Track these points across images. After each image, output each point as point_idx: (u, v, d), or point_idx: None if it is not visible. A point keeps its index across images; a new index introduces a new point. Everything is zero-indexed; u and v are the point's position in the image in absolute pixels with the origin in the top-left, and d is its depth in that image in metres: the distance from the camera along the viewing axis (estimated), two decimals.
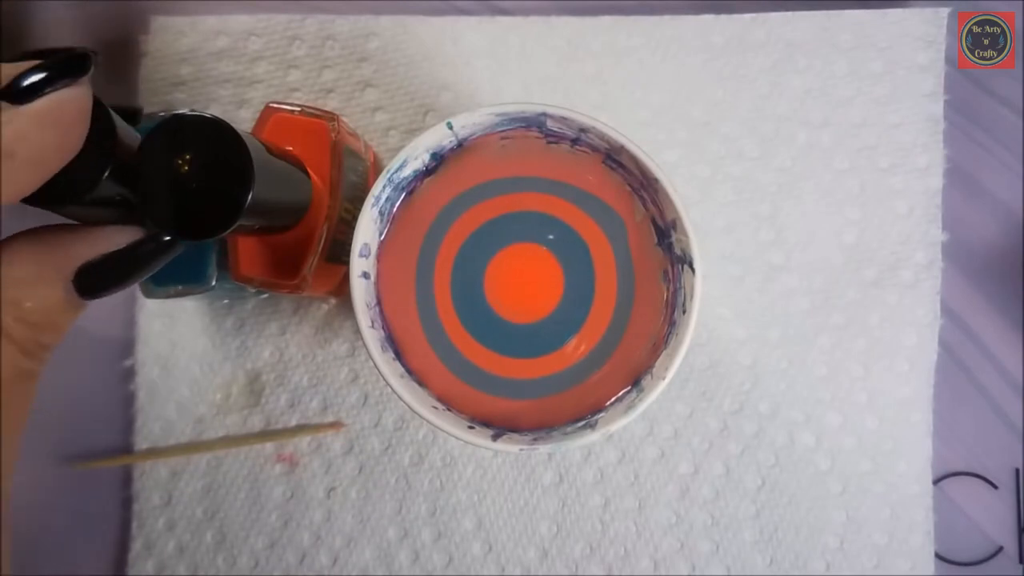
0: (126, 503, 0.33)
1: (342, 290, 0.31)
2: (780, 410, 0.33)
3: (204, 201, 0.20)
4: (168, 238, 0.20)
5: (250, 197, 0.20)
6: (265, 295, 0.33)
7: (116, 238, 0.19)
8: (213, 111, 0.24)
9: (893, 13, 0.33)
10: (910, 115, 0.33)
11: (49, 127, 0.16)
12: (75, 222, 0.19)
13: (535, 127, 0.24)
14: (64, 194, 0.18)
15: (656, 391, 0.22)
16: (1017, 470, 0.33)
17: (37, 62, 0.16)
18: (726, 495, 0.32)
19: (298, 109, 0.27)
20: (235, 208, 0.20)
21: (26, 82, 0.15)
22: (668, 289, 0.24)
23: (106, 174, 0.18)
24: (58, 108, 0.16)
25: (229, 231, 0.20)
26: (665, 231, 0.24)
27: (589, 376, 0.24)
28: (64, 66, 0.16)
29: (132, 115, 0.21)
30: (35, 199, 0.17)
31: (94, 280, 0.19)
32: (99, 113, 0.18)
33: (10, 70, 0.15)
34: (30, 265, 0.18)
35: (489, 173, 0.25)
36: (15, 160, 0.15)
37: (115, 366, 0.33)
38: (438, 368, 0.24)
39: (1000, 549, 0.33)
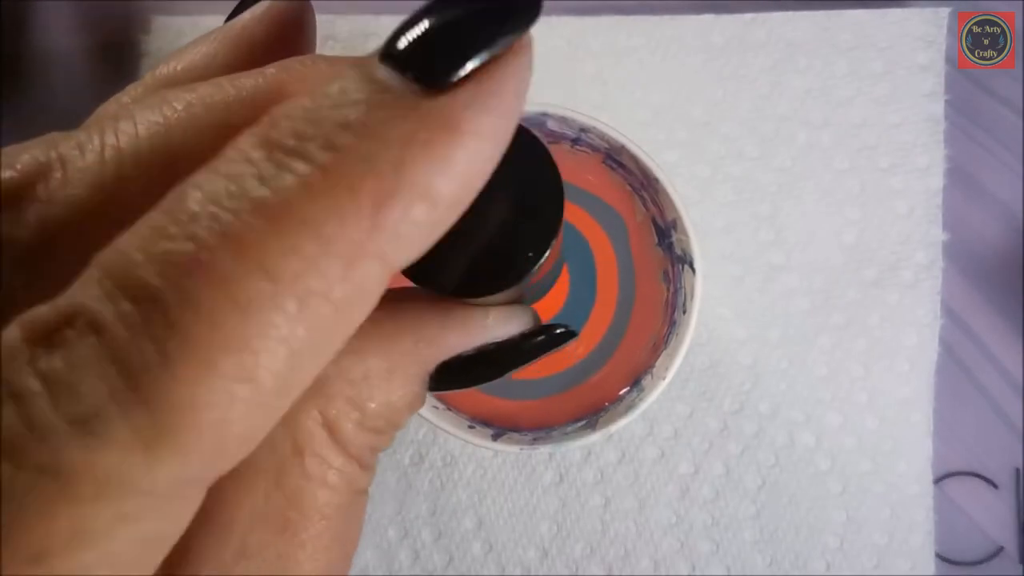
0: None
1: None
2: (780, 410, 0.33)
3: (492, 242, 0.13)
4: (562, 330, 0.14)
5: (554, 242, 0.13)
6: None
7: (501, 329, 0.14)
8: None
9: (893, 13, 0.33)
10: (910, 115, 0.33)
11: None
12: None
13: (535, 127, 0.24)
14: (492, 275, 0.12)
15: (656, 391, 0.22)
16: (1017, 470, 0.33)
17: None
18: (726, 495, 0.32)
19: None
20: (534, 254, 0.12)
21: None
22: (668, 289, 0.24)
23: (556, 239, 0.12)
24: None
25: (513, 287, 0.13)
26: (665, 231, 0.24)
27: (589, 376, 0.24)
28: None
29: None
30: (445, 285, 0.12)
31: (454, 374, 0.13)
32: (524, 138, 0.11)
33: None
34: (384, 358, 0.12)
35: None
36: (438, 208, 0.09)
37: None
38: None
39: (1000, 549, 0.33)
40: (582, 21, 0.33)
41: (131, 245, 0.08)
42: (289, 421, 0.11)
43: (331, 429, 0.12)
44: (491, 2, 0.09)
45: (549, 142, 0.25)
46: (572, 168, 0.24)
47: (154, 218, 0.08)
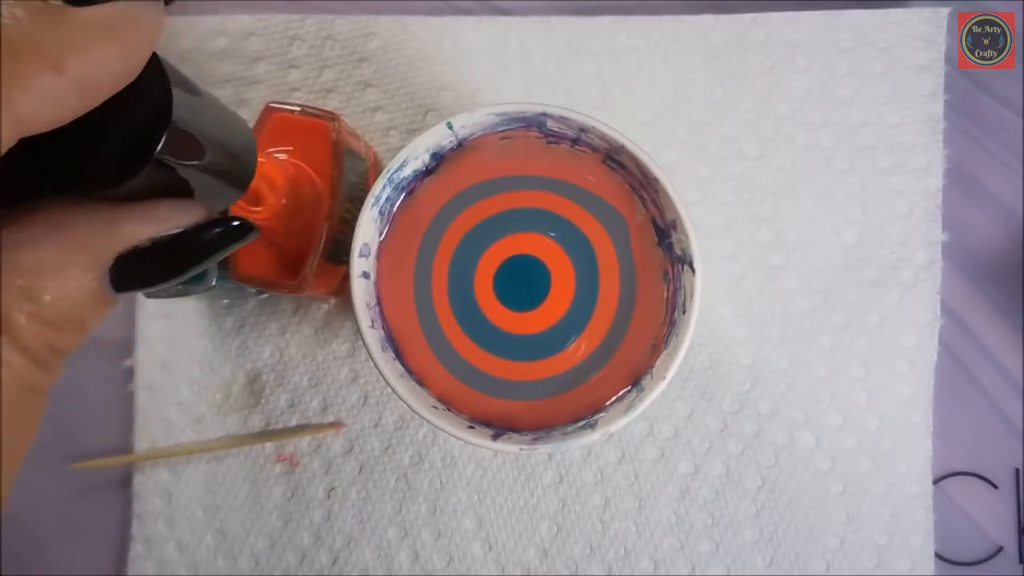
0: (126, 503, 0.33)
1: (342, 290, 0.31)
2: (780, 410, 0.33)
3: (106, 139, 0.14)
4: (238, 223, 0.16)
5: (166, 135, 0.14)
6: (265, 295, 0.33)
7: (174, 218, 0.15)
8: None
9: (893, 13, 0.33)
10: (910, 115, 0.33)
11: (111, 41, 0.12)
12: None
13: (535, 127, 0.24)
14: (102, 173, 0.14)
15: (656, 391, 0.22)
16: (1017, 470, 0.33)
17: None
18: (726, 495, 0.32)
19: (298, 109, 0.27)
20: (147, 146, 0.14)
21: None
22: (668, 289, 0.24)
23: (160, 144, 0.14)
24: (125, 20, 0.13)
25: (139, 176, 0.14)
26: (665, 231, 0.24)
27: (590, 377, 0.24)
28: None
29: None
30: (64, 179, 0.14)
31: (136, 270, 0.14)
32: (152, 63, 0.14)
33: None
34: (57, 247, 0.13)
35: (489, 173, 0.25)
36: (64, 76, 0.12)
37: (115, 366, 0.33)
38: (437, 368, 0.24)
39: (1000, 549, 0.33)
40: (582, 21, 0.33)
41: None
42: None
43: (2, 320, 0.12)
44: None
45: (548, 142, 0.25)
46: (572, 168, 0.24)
47: None
